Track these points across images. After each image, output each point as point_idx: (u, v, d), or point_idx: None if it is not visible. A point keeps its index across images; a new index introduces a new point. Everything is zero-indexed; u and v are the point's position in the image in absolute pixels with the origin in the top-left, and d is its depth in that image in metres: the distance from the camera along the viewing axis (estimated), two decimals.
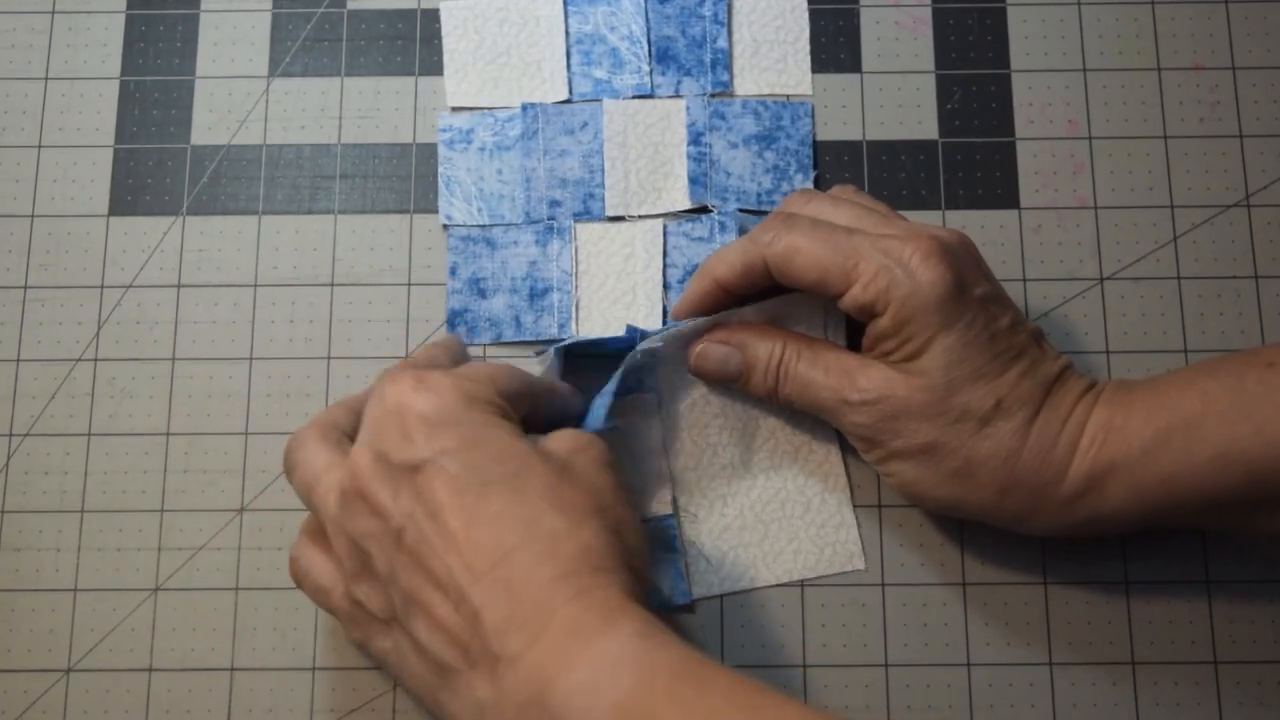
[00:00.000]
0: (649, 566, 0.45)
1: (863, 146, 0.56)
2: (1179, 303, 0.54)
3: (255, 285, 0.55)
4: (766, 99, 0.56)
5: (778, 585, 0.51)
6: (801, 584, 0.51)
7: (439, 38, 0.57)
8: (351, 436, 0.46)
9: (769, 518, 0.52)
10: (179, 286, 0.55)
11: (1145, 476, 0.45)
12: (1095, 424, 0.46)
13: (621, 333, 0.51)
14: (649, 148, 0.56)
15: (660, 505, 0.51)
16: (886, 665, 0.51)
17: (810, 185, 0.55)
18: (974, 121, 0.56)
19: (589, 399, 0.50)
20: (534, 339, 0.54)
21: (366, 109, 0.57)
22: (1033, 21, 0.57)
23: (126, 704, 0.50)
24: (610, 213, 0.55)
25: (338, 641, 0.51)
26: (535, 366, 0.52)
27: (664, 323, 0.53)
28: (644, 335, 0.50)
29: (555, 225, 0.55)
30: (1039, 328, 0.49)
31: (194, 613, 0.51)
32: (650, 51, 0.57)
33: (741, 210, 0.55)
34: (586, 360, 0.52)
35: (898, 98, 0.57)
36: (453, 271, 0.54)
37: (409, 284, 0.55)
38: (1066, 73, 0.57)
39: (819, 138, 0.56)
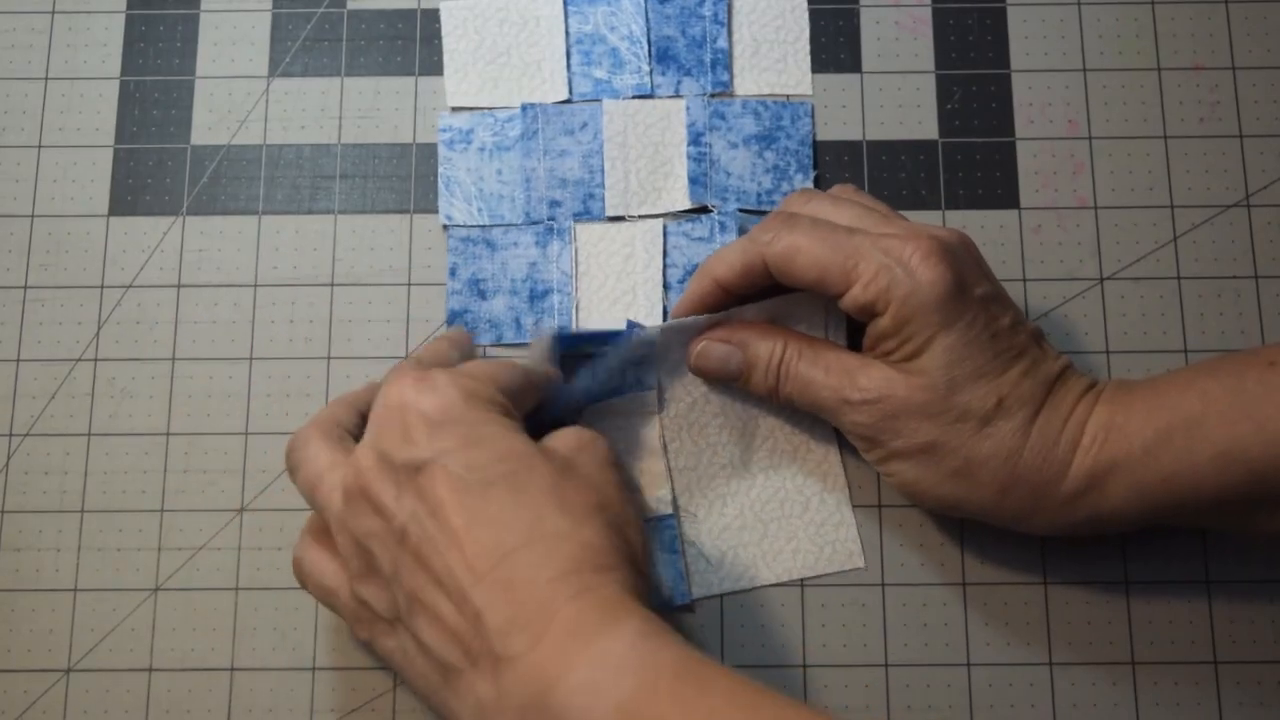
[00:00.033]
0: (651, 564, 0.45)
1: (863, 146, 0.56)
2: (1179, 303, 0.54)
3: (255, 285, 0.55)
4: (766, 99, 0.56)
5: (777, 585, 0.51)
6: (801, 584, 0.51)
7: (439, 38, 0.57)
8: (353, 433, 0.46)
9: (768, 517, 0.52)
10: (179, 286, 0.55)
11: (1146, 475, 0.45)
12: (1096, 423, 0.46)
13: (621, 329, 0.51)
14: (649, 148, 0.56)
15: (660, 505, 0.51)
16: (886, 665, 0.51)
17: (810, 185, 0.55)
18: (974, 121, 0.56)
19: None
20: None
21: (366, 109, 0.57)
22: (1033, 21, 0.57)
23: (126, 704, 0.50)
24: (610, 213, 0.55)
25: (338, 641, 0.51)
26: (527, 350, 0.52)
27: (664, 322, 0.53)
28: (643, 330, 0.50)
29: (555, 226, 0.55)
30: (1039, 328, 0.49)
31: (194, 613, 0.51)
32: (650, 51, 0.57)
33: (741, 210, 0.55)
34: (582, 357, 0.52)
35: (898, 98, 0.57)
36: (452, 272, 0.54)
37: (409, 284, 0.55)
38: (1066, 73, 0.57)
39: (819, 138, 0.56)
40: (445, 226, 0.55)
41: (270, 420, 0.53)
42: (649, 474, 0.52)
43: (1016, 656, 0.51)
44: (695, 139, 0.56)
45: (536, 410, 0.49)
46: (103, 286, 0.55)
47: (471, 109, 0.56)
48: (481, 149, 0.56)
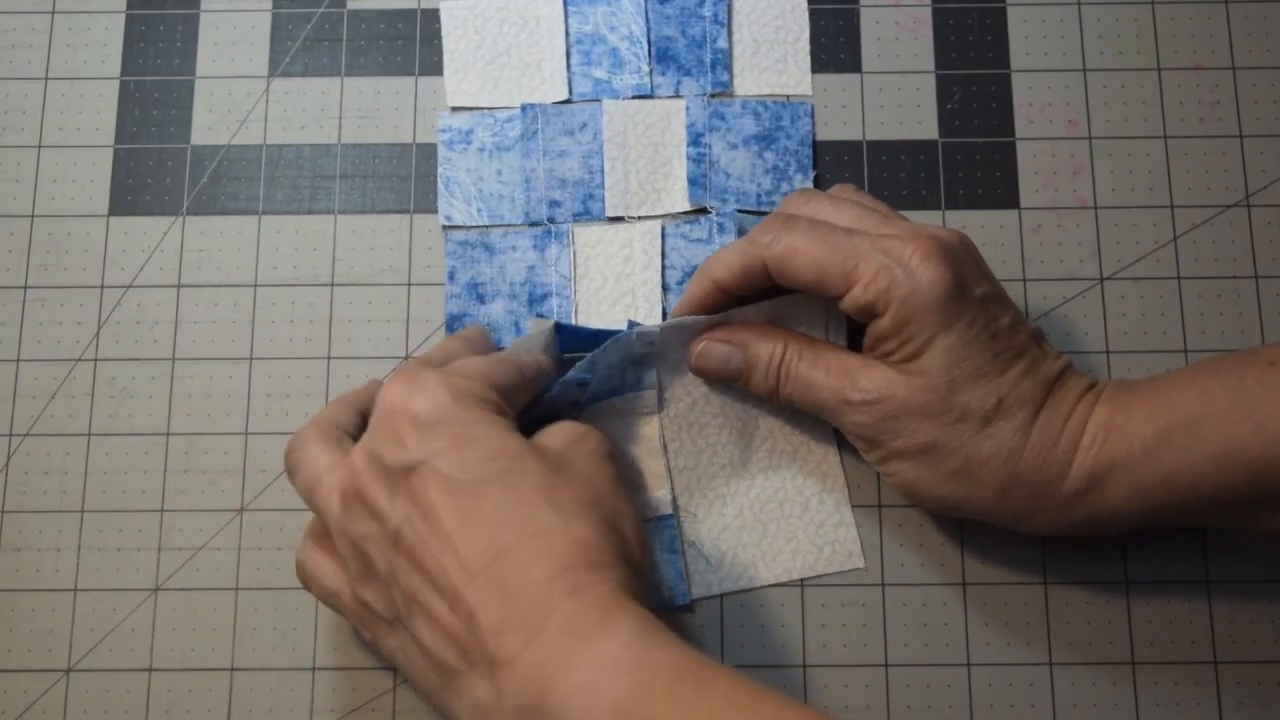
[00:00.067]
0: (648, 559, 0.45)
1: (863, 146, 0.56)
2: (1179, 303, 0.54)
3: (255, 285, 0.55)
4: (766, 99, 0.56)
5: (777, 585, 0.51)
6: (801, 584, 0.51)
7: (439, 38, 0.57)
8: (354, 434, 0.46)
9: (768, 517, 0.52)
10: (179, 286, 0.55)
11: (1146, 475, 0.45)
12: (1096, 423, 0.46)
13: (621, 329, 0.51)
14: (649, 148, 0.56)
15: (660, 505, 0.51)
16: (886, 665, 0.51)
17: (810, 185, 0.55)
18: (974, 121, 0.56)
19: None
20: None
21: (366, 109, 0.57)
22: (1033, 21, 0.57)
23: (126, 704, 0.50)
24: (610, 213, 0.55)
25: (338, 641, 0.51)
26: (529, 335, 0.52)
27: (664, 321, 0.53)
28: (643, 328, 0.50)
29: (553, 230, 0.55)
30: (1039, 328, 0.49)
31: (194, 613, 0.51)
32: (650, 52, 0.57)
33: (741, 211, 0.55)
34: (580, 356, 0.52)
35: (898, 98, 0.57)
36: (451, 276, 0.54)
37: (409, 284, 0.55)
38: (1066, 73, 0.57)
39: (819, 138, 0.56)
40: (445, 227, 0.55)
41: (270, 420, 0.53)
42: (649, 474, 0.52)
43: (1016, 656, 0.51)
44: (695, 139, 0.55)
45: (534, 405, 0.49)
46: (103, 286, 0.55)
47: (471, 109, 0.56)
48: (481, 149, 0.56)
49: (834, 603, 0.51)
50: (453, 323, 0.54)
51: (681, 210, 0.55)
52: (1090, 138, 0.56)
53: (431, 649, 0.42)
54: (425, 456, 0.42)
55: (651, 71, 0.56)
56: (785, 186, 0.55)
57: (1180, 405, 0.45)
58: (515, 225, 0.55)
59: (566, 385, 0.49)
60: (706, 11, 0.57)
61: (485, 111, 0.56)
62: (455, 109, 0.56)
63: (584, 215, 0.55)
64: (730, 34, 0.57)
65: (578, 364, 0.49)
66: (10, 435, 0.53)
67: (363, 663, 0.50)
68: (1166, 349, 0.54)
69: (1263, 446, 0.44)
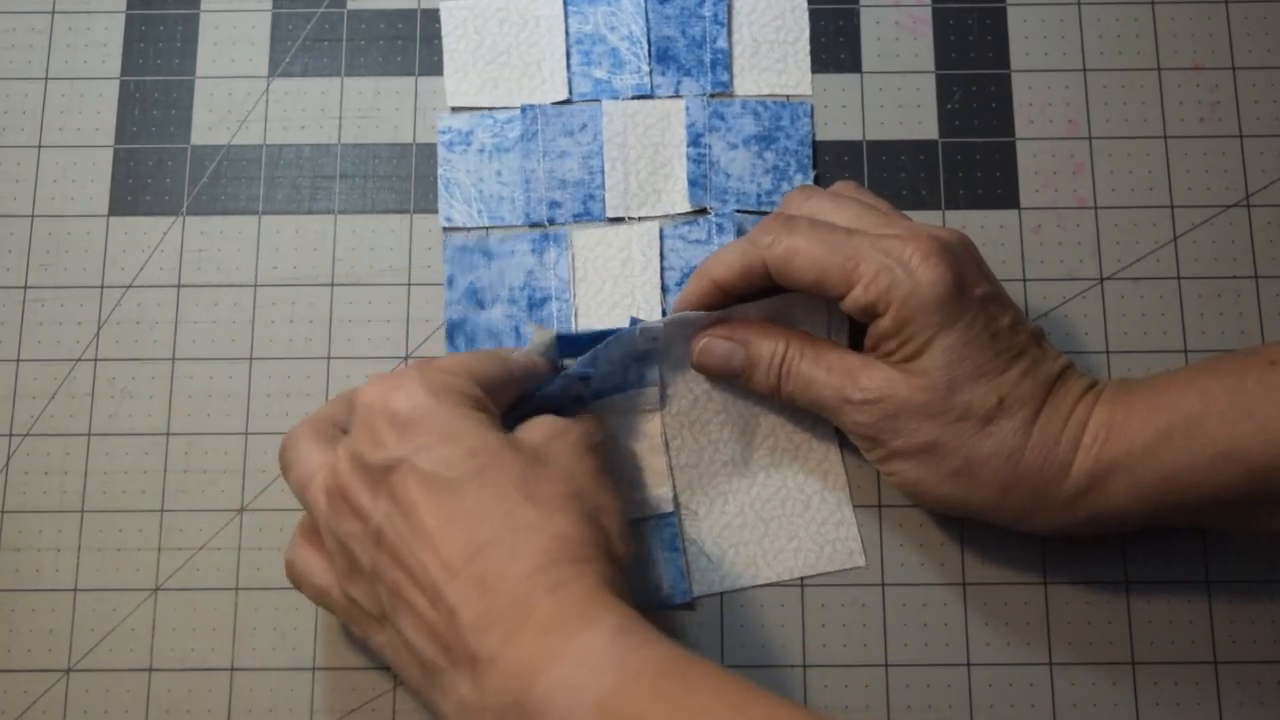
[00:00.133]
0: (631, 552, 0.44)
1: (863, 146, 0.56)
2: (1179, 303, 0.54)
3: (255, 285, 0.55)
4: (766, 99, 0.56)
5: (778, 584, 0.51)
6: (802, 583, 0.51)
7: (439, 38, 0.57)
8: (349, 432, 0.46)
9: (769, 515, 0.52)
10: (179, 286, 0.55)
11: (1147, 475, 0.45)
12: (1097, 422, 0.46)
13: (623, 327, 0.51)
14: (649, 149, 0.56)
15: (662, 503, 0.51)
16: (886, 665, 0.51)
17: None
18: (974, 121, 0.56)
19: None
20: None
21: (366, 109, 0.57)
22: (1033, 21, 0.57)
23: (126, 704, 0.50)
24: (611, 214, 0.55)
25: (338, 641, 0.51)
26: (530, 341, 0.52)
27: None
28: (646, 324, 0.50)
29: (551, 233, 0.54)
30: (1039, 327, 0.49)
31: (194, 613, 0.51)
32: (650, 52, 0.57)
33: (740, 211, 0.55)
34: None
35: (898, 98, 0.57)
36: (450, 283, 0.54)
37: (409, 284, 0.55)
38: (1066, 73, 0.57)
39: (819, 138, 0.56)
40: (445, 229, 0.55)
41: (270, 420, 0.53)
42: (651, 471, 0.52)
43: (1016, 656, 0.51)
44: (695, 140, 0.55)
45: (531, 400, 0.48)
46: (103, 286, 0.55)
47: (471, 109, 0.56)
48: (481, 150, 0.56)
49: (834, 602, 0.51)
50: (453, 329, 0.54)
51: (682, 211, 0.55)
52: (1090, 138, 0.56)
53: (416, 646, 0.42)
54: (405, 454, 0.42)
55: (651, 71, 0.56)
56: (785, 186, 0.55)
57: (1181, 405, 0.45)
58: (515, 227, 0.55)
59: (569, 379, 0.49)
60: (706, 11, 0.57)
61: (485, 112, 0.56)
62: (455, 109, 0.56)
63: (584, 216, 0.55)
64: (730, 34, 0.57)
65: (580, 358, 0.49)
66: (10, 435, 0.53)
67: (362, 663, 0.50)
68: (1166, 349, 0.54)
69: (1263, 446, 0.44)
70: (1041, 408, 0.46)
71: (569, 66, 0.57)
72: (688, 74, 0.56)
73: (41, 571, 0.52)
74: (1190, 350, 0.54)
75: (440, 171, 0.55)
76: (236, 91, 0.57)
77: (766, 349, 0.49)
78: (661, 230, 0.55)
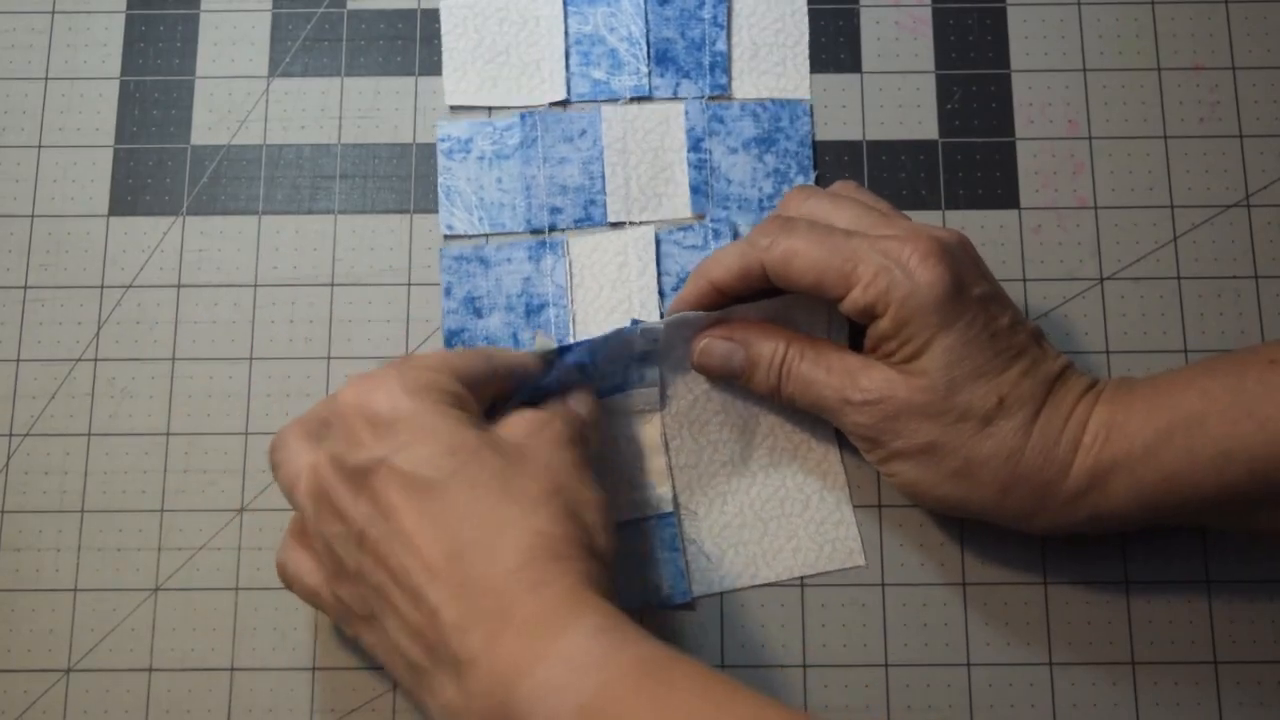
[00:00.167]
0: (614, 545, 0.44)
1: (863, 146, 0.56)
2: (1179, 303, 0.54)
3: (255, 285, 0.55)
4: (765, 101, 0.56)
5: (778, 584, 0.51)
6: (802, 583, 0.51)
7: (439, 38, 0.57)
8: None
9: (768, 515, 0.52)
10: (179, 286, 0.55)
11: (1147, 474, 0.45)
12: (1097, 422, 0.46)
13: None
14: (649, 153, 0.56)
15: (661, 503, 0.51)
16: (886, 665, 0.51)
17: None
18: (974, 121, 0.56)
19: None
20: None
21: (366, 109, 0.57)
22: (1033, 21, 0.57)
23: (126, 704, 0.50)
24: (613, 219, 0.55)
25: (338, 641, 0.51)
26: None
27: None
28: (647, 325, 0.50)
29: (548, 240, 0.54)
30: (1039, 327, 0.49)
31: (194, 613, 0.51)
32: (649, 53, 0.57)
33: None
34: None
35: (898, 98, 0.57)
36: (447, 292, 0.54)
37: (409, 284, 0.55)
38: (1066, 73, 0.57)
39: (819, 138, 0.56)
40: (446, 237, 0.55)
41: (270, 420, 0.53)
42: (651, 471, 0.52)
43: (1016, 656, 0.51)
44: (695, 145, 0.55)
45: (525, 394, 0.48)
46: (103, 286, 0.55)
47: (469, 113, 0.56)
48: (481, 158, 0.56)
49: (834, 602, 0.51)
50: (451, 338, 0.54)
51: (684, 216, 0.55)
52: (1090, 138, 0.56)
53: (401, 648, 0.42)
54: (384, 455, 0.42)
55: (650, 73, 0.56)
56: (786, 189, 0.55)
57: (1181, 404, 0.45)
58: (516, 234, 0.55)
59: (564, 369, 0.49)
60: (706, 14, 0.57)
61: (484, 120, 0.56)
62: (454, 109, 0.56)
63: (586, 221, 0.55)
64: (729, 37, 0.57)
65: (575, 347, 0.49)
66: (10, 435, 0.53)
67: (362, 663, 0.50)
68: (1166, 349, 0.54)
69: (1264, 445, 0.44)
70: (1041, 408, 0.46)
71: (568, 67, 0.57)
72: (686, 76, 0.56)
73: (41, 571, 0.52)
74: (1190, 350, 0.54)
75: (440, 180, 0.55)
76: (236, 91, 0.57)
77: (767, 350, 0.49)
78: (657, 236, 0.55)
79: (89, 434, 0.53)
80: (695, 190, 0.55)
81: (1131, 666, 0.51)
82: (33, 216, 0.55)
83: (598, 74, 0.56)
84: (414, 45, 0.57)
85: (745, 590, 0.51)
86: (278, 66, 0.57)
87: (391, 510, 0.42)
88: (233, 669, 0.51)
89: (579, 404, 0.48)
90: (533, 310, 0.54)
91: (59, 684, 0.51)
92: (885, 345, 0.47)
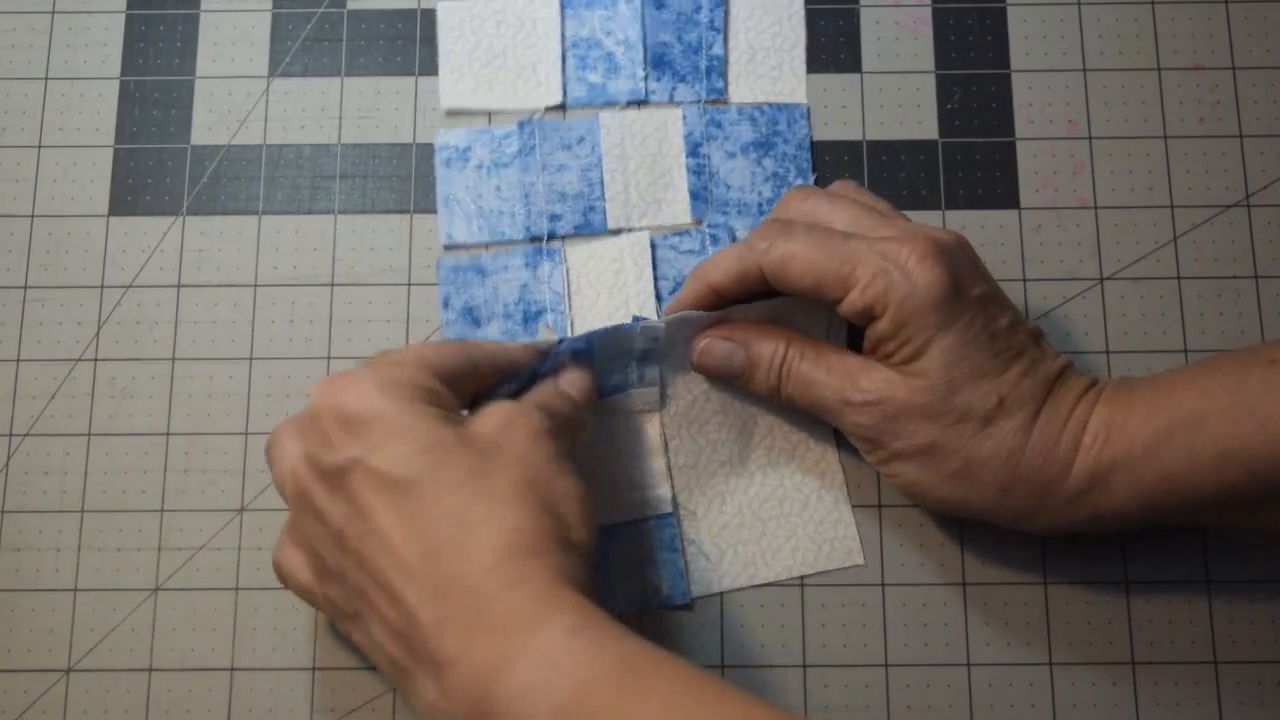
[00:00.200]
0: (592, 538, 0.43)
1: (863, 146, 0.56)
2: (1179, 303, 0.54)
3: (255, 285, 0.55)
4: (763, 105, 0.56)
5: (777, 584, 0.51)
6: (801, 583, 0.51)
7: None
8: None
9: (766, 515, 0.52)
10: (179, 286, 0.55)
11: (1148, 474, 0.45)
12: (1097, 422, 0.46)
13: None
14: (647, 159, 0.55)
15: (661, 504, 0.51)
16: (886, 665, 0.51)
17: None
18: (974, 121, 0.56)
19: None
20: None
21: (366, 109, 0.57)
22: (1033, 21, 0.57)
23: (126, 704, 0.50)
24: (612, 225, 0.55)
25: (338, 641, 0.51)
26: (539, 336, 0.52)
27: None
28: (648, 322, 0.50)
29: (544, 248, 0.54)
30: (1038, 327, 0.49)
31: (194, 613, 0.51)
32: (646, 57, 0.57)
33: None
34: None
35: (898, 98, 0.57)
36: (445, 303, 0.54)
37: (409, 284, 0.55)
38: (1066, 73, 0.57)
39: (819, 138, 0.56)
40: (446, 247, 0.55)
41: (270, 420, 0.53)
42: (650, 472, 0.52)
43: (1016, 656, 0.51)
44: (693, 150, 0.55)
45: (522, 383, 0.48)
46: (103, 286, 0.55)
47: (469, 114, 0.56)
48: (479, 166, 0.56)
49: (834, 602, 0.51)
50: None
51: (685, 222, 0.55)
52: (1090, 138, 0.56)
53: (385, 647, 0.42)
54: (358, 455, 0.42)
55: (647, 77, 0.56)
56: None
57: (1181, 404, 0.45)
58: (515, 242, 0.55)
59: (561, 357, 0.48)
60: (703, 18, 0.57)
61: (482, 128, 0.56)
62: (450, 113, 0.56)
63: (585, 228, 0.55)
64: (726, 41, 0.57)
65: (573, 336, 0.49)
66: (10, 435, 0.53)
67: (362, 663, 0.50)
68: (1166, 349, 0.54)
69: (1264, 445, 0.44)
70: (1041, 408, 0.46)
71: (564, 70, 0.56)
72: (683, 80, 0.56)
73: (41, 571, 0.52)
74: (1190, 350, 0.54)
75: (439, 189, 0.55)
76: (236, 91, 0.57)
77: (767, 350, 0.49)
78: (654, 241, 0.54)
79: (89, 434, 0.53)
80: (695, 196, 0.55)
81: (1131, 666, 0.51)
82: (33, 216, 0.55)
83: (594, 78, 0.56)
84: (414, 45, 0.57)
85: (745, 590, 0.51)
86: (278, 66, 0.57)
87: (368, 510, 0.41)
88: (233, 669, 0.51)
89: (570, 383, 0.48)
90: (530, 317, 0.54)
91: (59, 684, 0.51)
92: (884, 346, 0.47)
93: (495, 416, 0.44)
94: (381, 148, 0.56)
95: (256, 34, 0.57)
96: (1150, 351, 0.54)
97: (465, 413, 0.46)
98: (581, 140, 0.56)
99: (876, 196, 0.51)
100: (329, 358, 0.54)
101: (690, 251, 0.54)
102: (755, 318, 0.51)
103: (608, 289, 0.54)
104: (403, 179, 0.56)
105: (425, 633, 0.40)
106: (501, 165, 0.55)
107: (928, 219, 0.55)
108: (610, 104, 0.56)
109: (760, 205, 0.55)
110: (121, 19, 0.58)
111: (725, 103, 0.56)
